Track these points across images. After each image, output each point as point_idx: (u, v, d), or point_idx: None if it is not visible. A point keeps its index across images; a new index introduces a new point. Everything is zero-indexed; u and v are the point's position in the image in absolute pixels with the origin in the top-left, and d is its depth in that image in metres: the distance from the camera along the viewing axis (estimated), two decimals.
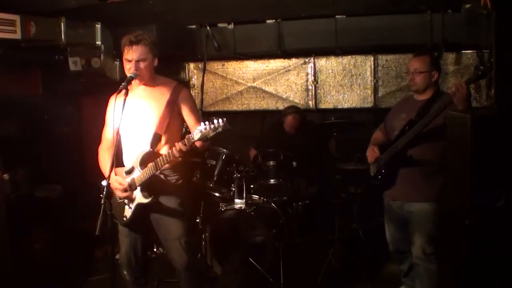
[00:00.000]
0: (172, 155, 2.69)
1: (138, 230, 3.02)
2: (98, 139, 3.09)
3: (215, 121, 2.56)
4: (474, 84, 4.16)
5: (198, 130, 2.59)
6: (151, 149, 2.83)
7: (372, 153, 3.35)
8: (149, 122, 2.87)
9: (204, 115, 4.51)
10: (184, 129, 3.62)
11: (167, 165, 2.79)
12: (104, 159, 2.97)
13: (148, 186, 2.84)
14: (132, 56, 2.79)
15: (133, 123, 2.87)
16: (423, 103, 3.17)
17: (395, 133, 3.29)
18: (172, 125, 2.94)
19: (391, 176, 3.26)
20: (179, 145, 2.65)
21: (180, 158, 2.68)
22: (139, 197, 2.84)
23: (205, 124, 2.58)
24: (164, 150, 2.88)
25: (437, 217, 3.11)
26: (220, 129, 2.58)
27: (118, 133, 2.80)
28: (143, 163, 2.82)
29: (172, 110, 2.90)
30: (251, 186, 4.32)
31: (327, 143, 4.85)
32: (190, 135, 2.65)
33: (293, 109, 4.90)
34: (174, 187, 2.98)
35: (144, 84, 2.91)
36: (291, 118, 4.81)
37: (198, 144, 2.68)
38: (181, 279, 3.01)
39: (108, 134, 3.03)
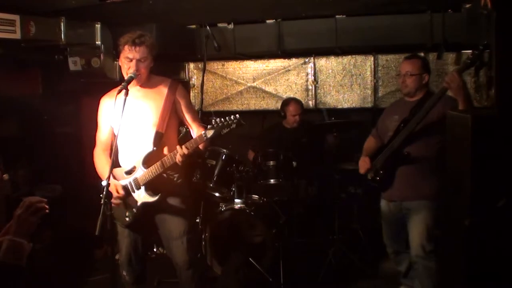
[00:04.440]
0: (181, 153, 2.69)
1: (139, 230, 3.02)
2: None
3: (228, 117, 2.57)
4: (475, 84, 4.17)
5: (210, 127, 2.60)
6: (154, 148, 2.84)
7: (363, 164, 3.37)
8: (148, 122, 2.88)
9: (204, 115, 4.53)
10: (184, 129, 3.63)
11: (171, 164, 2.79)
12: (101, 162, 2.97)
13: (152, 185, 2.84)
14: (134, 56, 2.80)
15: (131, 123, 2.87)
16: (415, 103, 3.21)
17: (389, 134, 3.30)
18: (171, 124, 2.95)
19: (389, 177, 3.26)
20: (191, 144, 2.68)
21: (188, 156, 2.70)
22: (144, 196, 2.85)
23: (218, 121, 2.59)
24: (164, 149, 2.89)
25: (436, 214, 3.12)
26: (234, 125, 2.60)
27: (114, 134, 2.81)
28: (147, 162, 2.83)
29: (171, 107, 2.92)
30: (251, 186, 4.32)
31: (326, 141, 4.84)
32: (202, 133, 2.67)
33: (291, 98, 4.89)
34: (176, 186, 2.99)
35: (140, 85, 2.91)
36: (293, 107, 4.73)
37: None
38: (182, 278, 3.01)
39: (102, 136, 3.02)
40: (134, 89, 2.88)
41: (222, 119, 2.63)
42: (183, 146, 2.69)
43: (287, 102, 4.84)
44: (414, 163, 3.16)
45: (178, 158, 2.70)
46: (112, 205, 2.88)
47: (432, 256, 3.16)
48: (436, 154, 3.08)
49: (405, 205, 3.26)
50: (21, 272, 1.64)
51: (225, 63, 5.41)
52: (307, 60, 5.16)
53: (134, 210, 2.89)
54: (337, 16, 4.39)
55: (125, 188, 2.86)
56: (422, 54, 4.48)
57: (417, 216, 3.19)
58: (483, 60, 2.88)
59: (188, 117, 2.99)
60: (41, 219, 1.74)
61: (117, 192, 2.81)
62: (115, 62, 4.40)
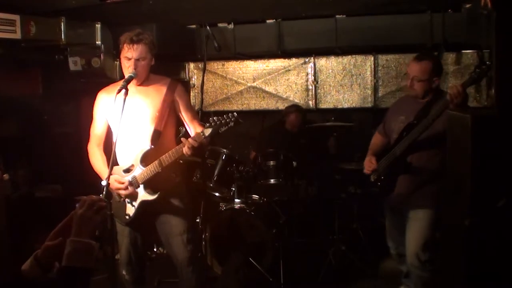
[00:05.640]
0: (180, 152, 2.69)
1: (139, 229, 3.02)
2: None
3: (226, 115, 2.57)
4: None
5: (208, 125, 2.59)
6: (152, 146, 2.83)
7: (369, 164, 3.31)
8: (145, 120, 2.87)
9: (204, 115, 4.52)
10: (184, 129, 3.63)
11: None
12: (96, 157, 2.96)
13: (151, 184, 2.84)
14: (132, 55, 2.79)
15: (129, 121, 2.86)
16: (423, 105, 3.12)
17: (393, 136, 3.25)
18: (169, 123, 2.95)
19: (391, 182, 3.23)
20: (189, 142, 2.66)
21: (188, 155, 2.69)
22: (143, 194, 2.85)
23: (216, 119, 2.59)
24: (162, 148, 2.89)
25: (435, 224, 3.09)
26: (232, 124, 2.60)
27: (111, 131, 2.80)
28: (144, 160, 2.82)
29: (169, 106, 2.92)
30: (251, 186, 4.32)
31: (326, 141, 4.85)
32: (200, 131, 2.66)
33: (295, 107, 4.93)
34: (175, 184, 2.99)
35: (140, 83, 2.91)
36: (294, 117, 4.83)
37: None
38: (183, 275, 3.01)
39: (97, 130, 3.01)
40: (132, 87, 2.87)
41: (220, 117, 2.63)
42: (189, 139, 2.68)
43: (289, 111, 4.90)
44: (416, 173, 3.13)
45: (185, 150, 2.69)
46: (118, 199, 2.90)
47: (427, 265, 3.13)
48: (438, 164, 3.02)
49: (406, 212, 3.24)
50: (90, 275, 1.55)
51: (225, 63, 5.40)
52: (307, 60, 5.15)
53: (134, 208, 2.89)
54: (337, 16, 4.40)
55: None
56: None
57: (415, 225, 3.16)
58: (490, 76, 2.79)
59: (186, 117, 2.99)
60: (102, 218, 1.67)
61: (120, 183, 2.81)
62: (115, 62, 4.41)
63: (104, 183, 2.57)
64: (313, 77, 5.15)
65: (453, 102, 2.75)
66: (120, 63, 2.93)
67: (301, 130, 4.87)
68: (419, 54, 3.15)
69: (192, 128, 2.98)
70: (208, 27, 4.52)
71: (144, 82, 2.92)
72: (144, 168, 2.82)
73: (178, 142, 2.86)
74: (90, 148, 3.01)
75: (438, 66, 3.10)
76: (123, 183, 2.82)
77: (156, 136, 2.86)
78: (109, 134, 3.00)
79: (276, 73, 5.28)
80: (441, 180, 2.77)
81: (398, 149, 3.12)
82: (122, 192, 2.84)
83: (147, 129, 2.86)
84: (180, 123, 3.18)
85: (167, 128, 2.94)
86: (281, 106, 5.22)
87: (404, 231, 3.27)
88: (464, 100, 2.77)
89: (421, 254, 3.12)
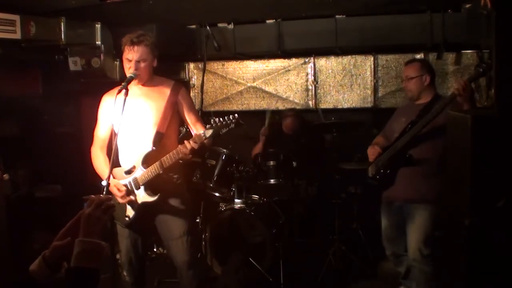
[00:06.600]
0: (181, 153, 2.69)
1: (139, 230, 3.02)
2: None
3: (227, 117, 2.58)
4: (474, 84, 4.16)
5: (209, 127, 2.60)
6: (154, 148, 2.83)
7: (373, 150, 3.36)
8: (148, 122, 2.87)
9: (204, 115, 4.52)
10: (185, 129, 3.63)
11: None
12: (99, 160, 2.96)
13: (152, 185, 2.84)
14: (133, 56, 2.80)
15: (131, 122, 2.87)
16: (423, 106, 3.19)
17: (395, 135, 3.29)
18: (172, 124, 2.95)
19: (390, 176, 3.26)
20: (190, 143, 2.66)
21: (189, 156, 2.70)
22: (143, 196, 2.84)
23: (217, 121, 2.60)
24: (164, 149, 2.89)
25: (436, 218, 3.11)
26: (233, 125, 2.61)
27: (115, 133, 2.80)
28: (146, 162, 2.82)
29: (172, 108, 2.92)
30: (251, 186, 4.32)
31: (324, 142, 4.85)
32: (201, 132, 2.66)
33: (292, 112, 4.92)
34: (176, 186, 2.99)
35: (142, 84, 2.91)
36: (290, 121, 4.84)
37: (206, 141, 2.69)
38: (183, 277, 3.01)
39: (100, 133, 3.01)
40: (135, 88, 2.88)
41: (221, 118, 2.63)
42: (190, 141, 2.69)
43: (286, 114, 4.90)
44: (416, 165, 3.15)
45: (186, 152, 2.69)
46: (116, 200, 2.90)
47: (429, 260, 3.15)
48: (440, 158, 3.03)
49: (406, 207, 3.25)
50: (98, 276, 1.53)
51: (225, 63, 5.40)
52: (307, 60, 5.15)
53: (134, 209, 2.88)
54: (337, 16, 4.39)
55: (125, 187, 2.85)
56: (422, 55, 4.52)
57: (417, 220, 3.18)
58: (490, 76, 2.84)
59: (190, 119, 2.99)
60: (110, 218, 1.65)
61: (118, 190, 2.81)
62: (115, 62, 4.41)
63: (104, 183, 2.57)
64: (313, 77, 5.15)
65: (460, 95, 2.84)
66: (120, 63, 2.94)
67: (299, 132, 4.86)
68: (407, 60, 3.48)
69: (196, 130, 2.98)
70: (208, 27, 4.52)
71: (147, 83, 2.92)
72: (145, 170, 2.82)
73: (180, 143, 2.86)
74: (94, 151, 3.01)
75: (426, 66, 3.35)
76: (121, 191, 2.81)
77: (159, 138, 2.86)
78: (113, 137, 3.00)
79: (276, 73, 5.27)
80: (443, 174, 2.79)
81: (400, 143, 3.18)
82: (120, 200, 2.83)
83: (150, 131, 2.86)
84: (181, 124, 3.18)
85: (170, 130, 2.94)
86: (281, 106, 5.22)
87: (403, 228, 3.28)
88: (471, 94, 2.85)
89: (423, 248, 3.14)
